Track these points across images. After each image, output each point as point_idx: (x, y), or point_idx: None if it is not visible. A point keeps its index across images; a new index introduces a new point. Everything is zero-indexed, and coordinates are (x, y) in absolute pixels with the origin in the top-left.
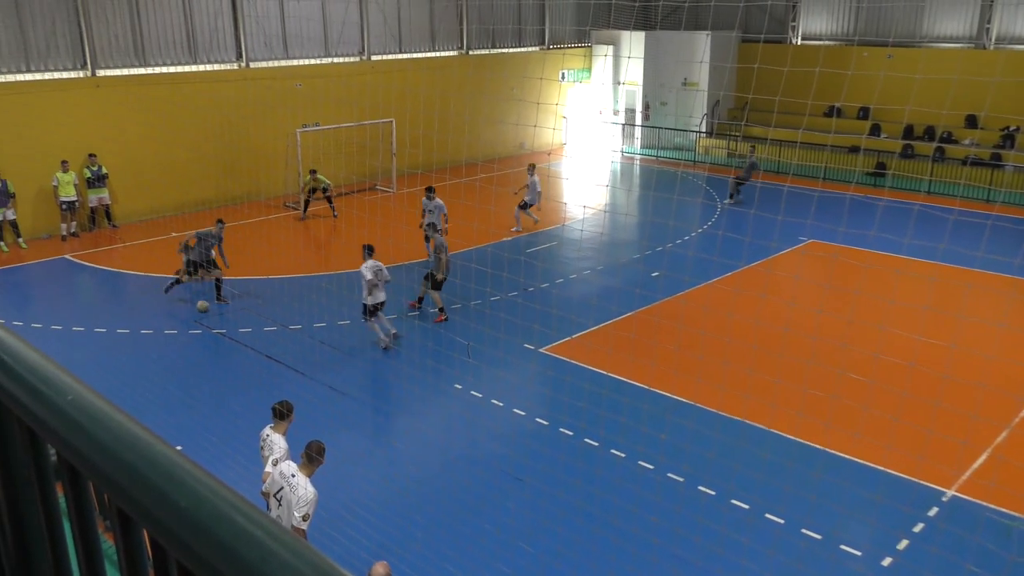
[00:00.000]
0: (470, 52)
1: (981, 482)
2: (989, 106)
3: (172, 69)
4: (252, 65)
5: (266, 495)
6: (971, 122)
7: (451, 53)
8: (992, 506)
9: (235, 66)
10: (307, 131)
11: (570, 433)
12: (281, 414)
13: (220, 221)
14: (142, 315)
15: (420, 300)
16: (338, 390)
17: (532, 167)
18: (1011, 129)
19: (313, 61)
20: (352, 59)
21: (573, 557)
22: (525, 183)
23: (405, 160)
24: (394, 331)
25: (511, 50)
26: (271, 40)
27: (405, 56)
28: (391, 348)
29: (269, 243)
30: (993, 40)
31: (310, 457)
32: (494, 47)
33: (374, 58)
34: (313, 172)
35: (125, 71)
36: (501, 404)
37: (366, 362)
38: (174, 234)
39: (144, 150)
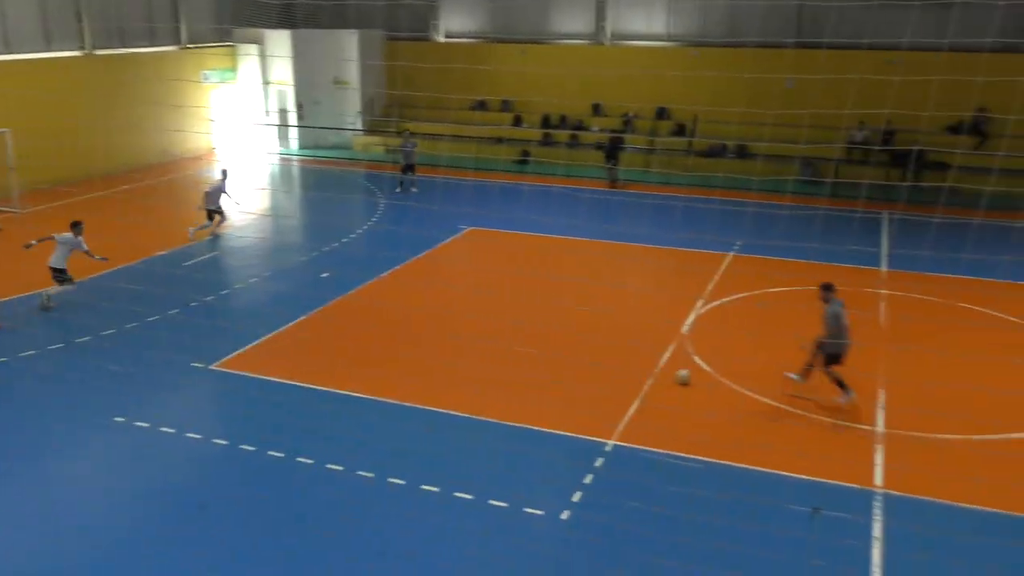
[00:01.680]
0: (95, 52)
1: (636, 429)
2: (610, 95)
3: None
4: None
5: None
6: (597, 110)
7: (73, 53)
8: (647, 448)
9: None
10: None
11: (252, 448)
12: None
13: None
14: None
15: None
16: None
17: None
18: (629, 115)
19: None
20: None
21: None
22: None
23: (28, 175)
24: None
25: (144, 49)
26: None
27: (14, 57)
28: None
29: None
30: (609, 37)
31: None
32: (124, 46)
33: None
34: None
35: None
36: (172, 430)
37: None
38: None
39: None
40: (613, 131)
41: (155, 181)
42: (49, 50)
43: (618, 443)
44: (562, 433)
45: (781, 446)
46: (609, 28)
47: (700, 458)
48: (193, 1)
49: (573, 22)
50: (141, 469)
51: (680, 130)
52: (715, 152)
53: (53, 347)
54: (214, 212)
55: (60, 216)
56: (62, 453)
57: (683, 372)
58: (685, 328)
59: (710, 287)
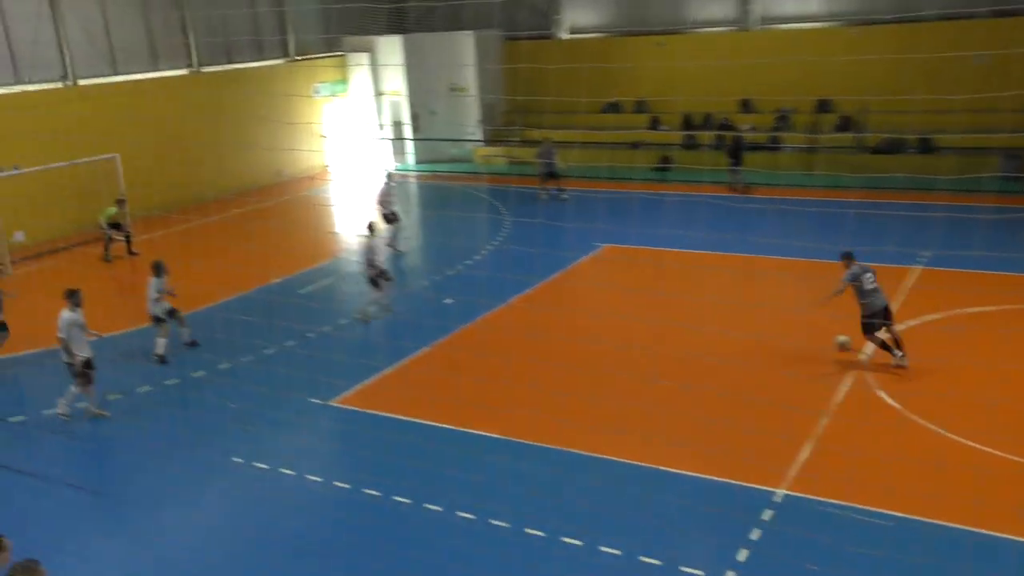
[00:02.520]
0: (202, 69)
1: (811, 476)
2: (761, 89)
3: None
4: None
5: None
6: (746, 106)
7: (180, 72)
8: (825, 499)
9: None
10: (2, 176)
11: (377, 493)
12: None
13: None
14: None
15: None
16: (81, 487)
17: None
18: (785, 111)
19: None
20: (52, 84)
21: None
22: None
23: (137, 202)
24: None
25: (252, 64)
26: None
27: (122, 78)
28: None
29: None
30: (757, 21)
31: None
32: (231, 62)
33: (81, 82)
34: (121, 202)
35: None
36: (292, 472)
37: (109, 448)
38: None
39: None
40: (733, 130)
41: (267, 204)
42: (156, 69)
43: (789, 492)
44: (722, 480)
45: (994, 501)
46: (757, 11)
47: (891, 512)
48: (299, 11)
49: (715, 7)
50: (261, 513)
51: (846, 124)
52: (891, 147)
53: (168, 382)
54: (390, 216)
55: (171, 244)
56: (178, 498)
57: (842, 338)
58: (863, 356)
59: (893, 308)
